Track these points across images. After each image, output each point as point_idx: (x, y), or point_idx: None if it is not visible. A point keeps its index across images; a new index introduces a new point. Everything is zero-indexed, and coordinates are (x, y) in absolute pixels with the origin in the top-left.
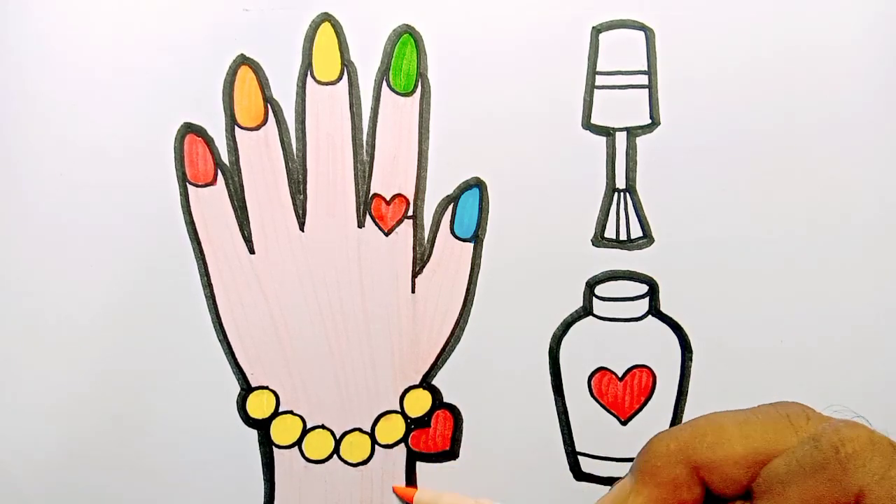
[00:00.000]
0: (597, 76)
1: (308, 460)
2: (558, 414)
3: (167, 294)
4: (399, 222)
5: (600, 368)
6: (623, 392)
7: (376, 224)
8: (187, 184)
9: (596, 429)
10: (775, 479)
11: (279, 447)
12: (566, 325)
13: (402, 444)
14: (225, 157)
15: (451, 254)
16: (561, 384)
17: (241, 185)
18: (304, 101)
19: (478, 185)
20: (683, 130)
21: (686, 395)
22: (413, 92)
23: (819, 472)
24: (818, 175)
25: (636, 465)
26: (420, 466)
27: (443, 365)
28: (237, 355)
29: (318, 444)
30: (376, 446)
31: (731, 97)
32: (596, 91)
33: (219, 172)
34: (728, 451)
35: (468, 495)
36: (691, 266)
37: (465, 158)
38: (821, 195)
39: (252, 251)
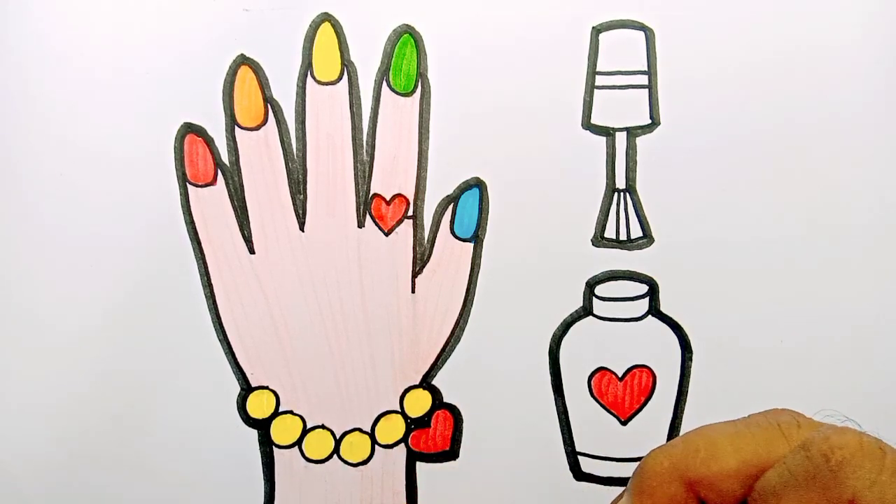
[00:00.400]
0: (597, 76)
1: (308, 460)
2: (558, 414)
3: (167, 294)
4: (399, 222)
5: (600, 368)
6: (623, 392)
7: (376, 224)
8: (187, 184)
9: (596, 429)
10: (769, 490)
11: (279, 447)
12: (566, 325)
13: (402, 444)
14: (225, 157)
15: (451, 254)
16: (561, 384)
17: (241, 185)
18: (304, 101)
19: (478, 185)
20: (683, 130)
21: (686, 395)
22: (413, 92)
23: (811, 482)
24: (818, 175)
25: (631, 486)
26: (420, 466)
27: (443, 365)
28: (237, 355)
29: (318, 444)
30: (376, 446)
31: (731, 97)
32: (596, 91)
33: (219, 172)
34: (722, 466)
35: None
36: (691, 266)
37: (465, 158)
38: (821, 195)
39: (252, 251)
